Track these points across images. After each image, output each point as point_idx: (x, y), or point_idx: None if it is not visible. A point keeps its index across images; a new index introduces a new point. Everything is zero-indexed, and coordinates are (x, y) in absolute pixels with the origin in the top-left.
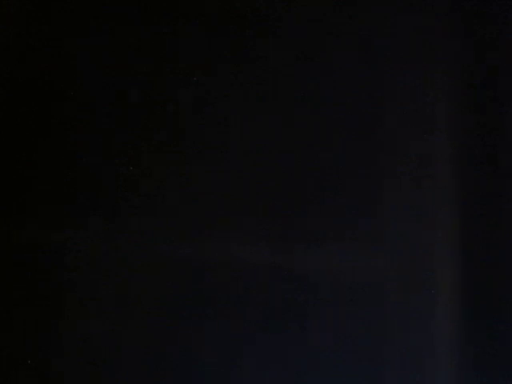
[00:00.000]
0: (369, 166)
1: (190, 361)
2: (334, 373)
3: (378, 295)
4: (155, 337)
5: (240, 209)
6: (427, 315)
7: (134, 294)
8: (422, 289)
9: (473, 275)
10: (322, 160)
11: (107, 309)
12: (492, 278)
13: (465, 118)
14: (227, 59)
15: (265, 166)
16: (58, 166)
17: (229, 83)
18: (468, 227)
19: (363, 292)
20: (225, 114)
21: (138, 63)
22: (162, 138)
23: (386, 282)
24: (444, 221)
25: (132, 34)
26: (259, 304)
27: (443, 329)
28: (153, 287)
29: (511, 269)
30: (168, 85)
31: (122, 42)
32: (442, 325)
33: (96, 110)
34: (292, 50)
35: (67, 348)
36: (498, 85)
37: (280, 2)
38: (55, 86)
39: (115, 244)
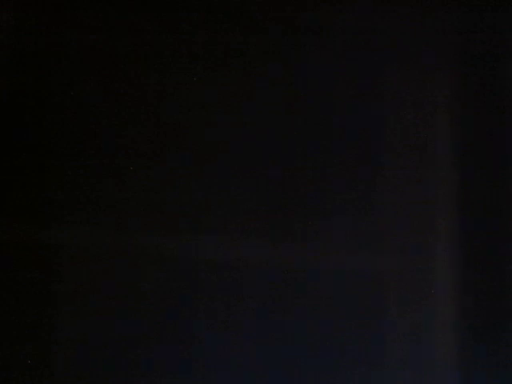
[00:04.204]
0: (369, 167)
1: (185, 359)
2: (334, 372)
3: (378, 295)
4: (154, 335)
5: (239, 209)
6: (427, 315)
7: (132, 292)
8: (422, 289)
9: (473, 275)
10: (322, 160)
11: (105, 307)
12: (492, 278)
13: (465, 118)
14: (227, 59)
15: (265, 166)
16: (55, 166)
17: (229, 82)
18: (468, 227)
19: (363, 292)
20: (224, 112)
21: (137, 64)
22: (160, 136)
23: (386, 282)
24: (444, 221)
25: (132, 34)
26: (257, 303)
27: (443, 328)
28: (152, 285)
29: (511, 269)
30: (167, 85)
31: (123, 42)
32: (441, 325)
33: (93, 109)
34: (292, 51)
35: (66, 346)
36: (499, 85)
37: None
38: (55, 86)
39: (114, 242)
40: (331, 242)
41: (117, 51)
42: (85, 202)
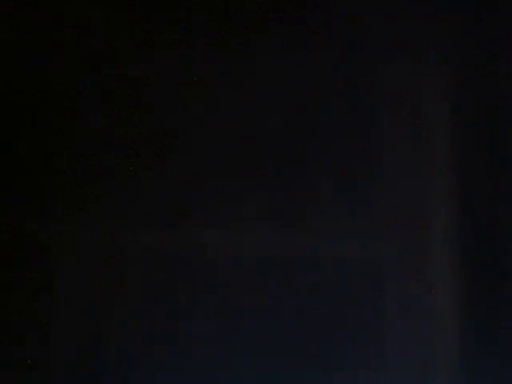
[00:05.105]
0: (370, 161)
1: (185, 357)
2: (333, 369)
3: (378, 295)
4: (150, 333)
5: (239, 200)
6: (427, 315)
7: (132, 291)
8: (422, 289)
9: (473, 275)
10: (322, 154)
11: (105, 306)
12: (492, 278)
13: (465, 118)
14: (227, 59)
15: (264, 165)
16: (55, 166)
17: (229, 82)
18: (468, 227)
19: (363, 292)
20: (224, 112)
21: (137, 64)
22: (160, 136)
23: (386, 282)
24: (444, 220)
25: (133, 34)
26: (256, 296)
27: (443, 329)
28: (151, 284)
29: (511, 269)
30: (167, 85)
31: (123, 42)
32: (441, 325)
33: (93, 109)
34: (291, 51)
35: (65, 346)
36: (498, 85)
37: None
38: (55, 85)
39: (114, 242)
40: (331, 237)
41: (117, 51)
42: (85, 201)
